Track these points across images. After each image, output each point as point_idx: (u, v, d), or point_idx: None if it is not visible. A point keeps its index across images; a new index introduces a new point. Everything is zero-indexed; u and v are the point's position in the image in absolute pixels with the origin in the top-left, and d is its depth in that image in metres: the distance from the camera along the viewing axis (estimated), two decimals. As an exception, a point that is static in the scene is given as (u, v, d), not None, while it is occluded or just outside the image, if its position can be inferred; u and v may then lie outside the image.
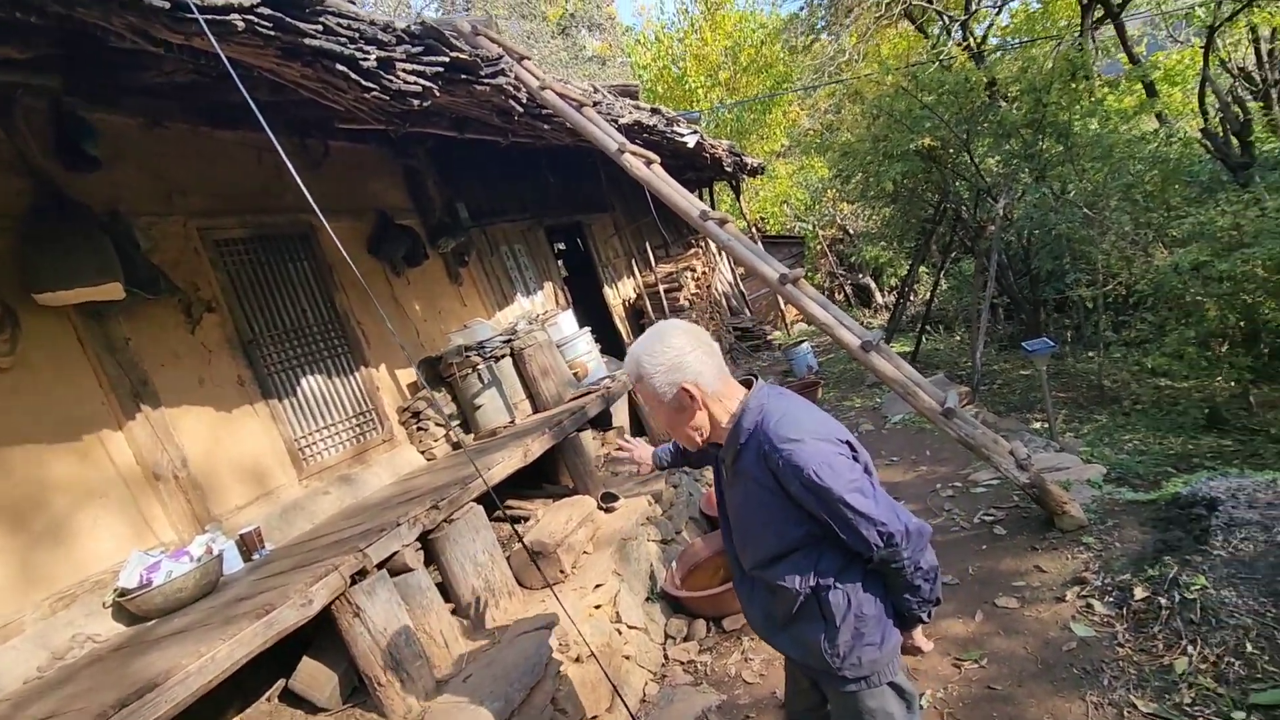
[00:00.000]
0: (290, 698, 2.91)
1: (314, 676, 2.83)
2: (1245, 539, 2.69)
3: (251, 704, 2.90)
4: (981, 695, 2.65)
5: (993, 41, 13.31)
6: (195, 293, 3.79)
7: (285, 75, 2.84)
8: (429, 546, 3.31)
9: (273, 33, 2.37)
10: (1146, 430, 5.63)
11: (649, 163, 3.95)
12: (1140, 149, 7.01)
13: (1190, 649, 2.46)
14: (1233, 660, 2.33)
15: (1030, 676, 2.66)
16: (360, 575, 2.73)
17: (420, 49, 3.03)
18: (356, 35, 2.67)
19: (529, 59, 4.14)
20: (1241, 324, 4.96)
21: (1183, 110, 11.36)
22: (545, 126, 4.34)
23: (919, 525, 1.47)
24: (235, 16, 2.27)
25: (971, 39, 12.21)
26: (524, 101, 3.77)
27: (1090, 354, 9.52)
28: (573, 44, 28.64)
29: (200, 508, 3.45)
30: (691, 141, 6.92)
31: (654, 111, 6.22)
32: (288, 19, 2.35)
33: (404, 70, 2.93)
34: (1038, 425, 5.98)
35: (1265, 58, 10.15)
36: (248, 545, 3.47)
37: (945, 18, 12.50)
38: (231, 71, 2.26)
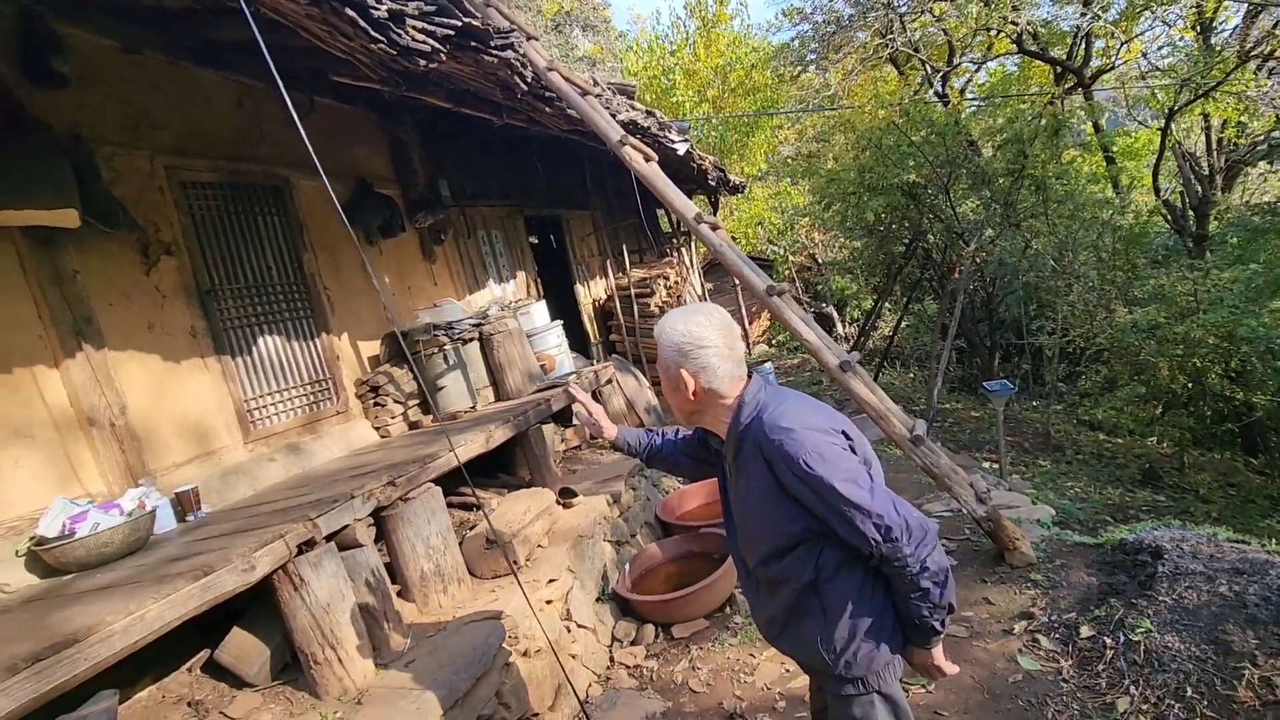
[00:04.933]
0: (213, 669, 2.72)
1: (244, 649, 2.66)
2: (1189, 587, 2.78)
3: (170, 673, 2.71)
4: (928, 720, 2.66)
5: (969, 97, 13.83)
6: (155, 233, 3.56)
7: (289, 13, 2.70)
8: (380, 524, 3.17)
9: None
10: (1088, 480, 5.84)
11: (648, 159, 3.90)
12: (1104, 210, 7.34)
13: (1132, 689, 2.52)
14: (1173, 703, 2.39)
15: (977, 705, 2.69)
16: (308, 546, 2.58)
17: (433, 8, 2.92)
18: (370, -18, 2.55)
19: (537, 39, 4.06)
20: (1189, 385, 5.23)
21: (1135, 185, 12.03)
22: (546, 109, 4.25)
23: (921, 520, 1.41)
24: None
25: (950, 92, 12.65)
26: (529, 80, 3.69)
27: (1035, 403, 9.90)
28: (565, 41, 28.53)
29: (135, 460, 3.22)
30: (682, 149, 6.90)
31: (649, 114, 6.17)
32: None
33: (414, 27, 2.82)
34: (987, 465, 6.14)
35: (1215, 145, 10.79)
36: (183, 505, 3.26)
37: (928, 67, 12.92)
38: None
